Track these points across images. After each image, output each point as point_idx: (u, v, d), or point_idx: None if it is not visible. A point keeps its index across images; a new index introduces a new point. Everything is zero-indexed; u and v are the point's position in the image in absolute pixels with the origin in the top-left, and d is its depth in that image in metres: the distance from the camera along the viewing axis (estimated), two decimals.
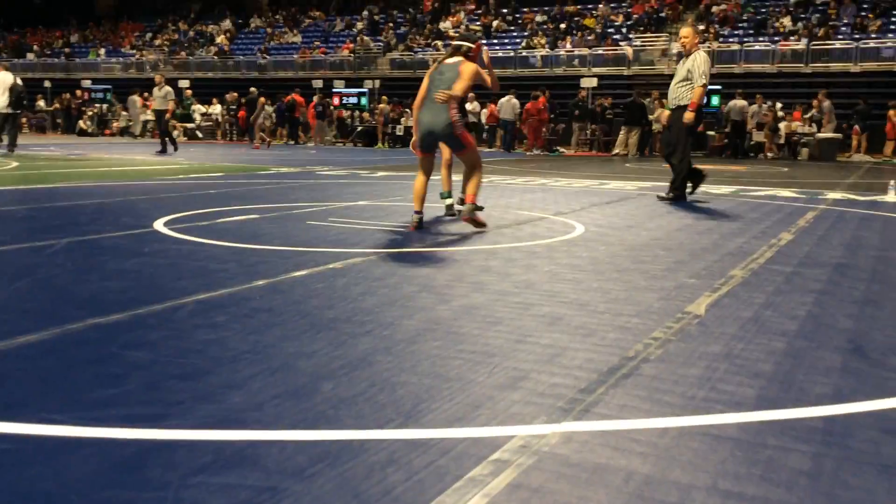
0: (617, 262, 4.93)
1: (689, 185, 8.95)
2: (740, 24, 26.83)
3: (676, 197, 8.82)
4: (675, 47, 25.33)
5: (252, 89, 25.74)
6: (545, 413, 2.35)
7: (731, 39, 25.57)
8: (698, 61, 8.51)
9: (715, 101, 23.21)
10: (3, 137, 16.10)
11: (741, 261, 5.05)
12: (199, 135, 28.79)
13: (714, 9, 27.62)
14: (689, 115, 8.45)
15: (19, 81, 16.12)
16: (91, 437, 2.10)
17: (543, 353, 2.97)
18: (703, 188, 10.21)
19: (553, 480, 1.93)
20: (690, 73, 8.55)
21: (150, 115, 30.24)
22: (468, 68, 6.14)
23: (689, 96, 8.54)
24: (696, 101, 8.44)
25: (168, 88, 18.26)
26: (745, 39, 25.69)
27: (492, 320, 3.43)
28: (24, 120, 32.94)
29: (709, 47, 24.75)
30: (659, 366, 2.85)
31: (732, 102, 21.57)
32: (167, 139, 18.15)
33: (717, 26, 26.43)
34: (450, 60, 6.30)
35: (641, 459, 2.06)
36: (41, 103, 33.32)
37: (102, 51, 38.25)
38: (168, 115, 18.42)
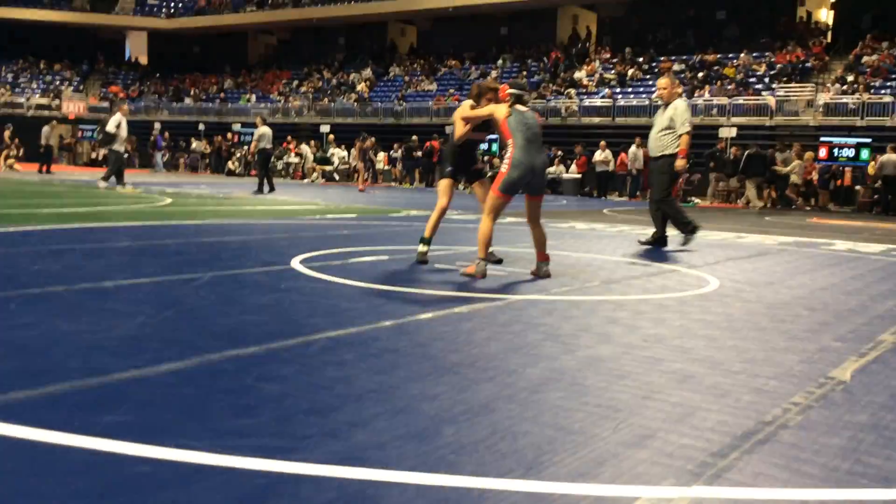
0: (754, 320, 4.71)
1: (661, 236, 9.05)
2: (893, 76, 25.45)
3: (686, 240, 8.92)
4: (822, 98, 24.32)
5: (414, 138, 26.81)
6: (673, 475, 2.26)
7: (882, 91, 24.26)
8: (679, 110, 8.85)
9: (864, 154, 22.03)
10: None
11: (892, 325, 4.71)
12: (336, 177, 29.92)
13: (865, 59, 26.35)
14: (681, 163, 8.79)
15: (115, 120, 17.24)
16: (223, 466, 2.18)
17: (672, 411, 2.86)
18: (850, 245, 9.65)
19: None
20: (673, 121, 8.81)
21: (294, 159, 31.90)
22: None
23: (675, 144, 8.78)
24: (684, 149, 8.80)
25: (266, 130, 18.65)
26: None
27: (618, 374, 3.34)
28: (181, 160, 35.44)
29: (858, 98, 23.61)
30: (799, 433, 2.68)
31: (886, 157, 20.39)
32: (265, 179, 18.47)
33: (868, 77, 25.17)
34: (524, 108, 6.19)
35: None
36: (195, 145, 35.67)
37: (252, 97, 40.57)
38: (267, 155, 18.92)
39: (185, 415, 2.59)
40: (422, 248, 6.64)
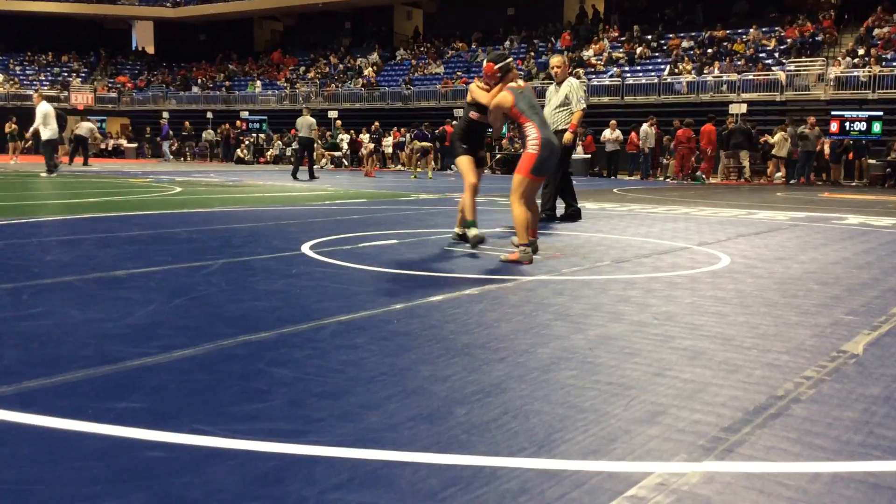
0: (766, 296, 4.69)
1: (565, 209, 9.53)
2: None
3: (549, 217, 9.34)
4: (833, 72, 24.08)
5: (449, 121, 26.90)
6: (685, 450, 2.26)
7: (894, 63, 23.99)
8: (574, 87, 9.26)
9: (876, 127, 21.82)
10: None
11: None
12: (346, 163, 29.92)
13: (876, 31, 26.04)
14: (568, 136, 9.10)
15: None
16: (236, 450, 2.19)
17: (684, 387, 2.86)
18: (862, 219, 9.59)
19: None
20: (568, 98, 9.18)
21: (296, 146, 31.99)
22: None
23: (568, 120, 9.18)
24: (575, 124, 9.17)
25: (303, 120, 19.61)
26: None
27: (629, 351, 3.34)
28: (188, 148, 35.55)
29: (869, 71, 23.36)
30: (811, 407, 2.67)
31: None
32: (313, 167, 19.47)
33: (879, 49, 24.89)
34: (517, 84, 6.10)
35: None
36: (204, 134, 35.72)
37: (259, 84, 40.52)
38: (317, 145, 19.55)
39: (197, 400, 2.60)
40: (473, 231, 6.30)
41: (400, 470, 2.09)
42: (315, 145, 19.63)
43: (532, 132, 5.81)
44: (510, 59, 6.19)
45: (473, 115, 6.49)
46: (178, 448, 2.20)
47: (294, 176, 19.45)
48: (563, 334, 3.63)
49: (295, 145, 22.08)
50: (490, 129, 6.67)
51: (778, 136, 21.89)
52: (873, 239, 7.95)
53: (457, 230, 6.89)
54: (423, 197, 13.44)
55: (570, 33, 34.12)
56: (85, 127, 26.18)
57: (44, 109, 17.86)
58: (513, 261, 5.77)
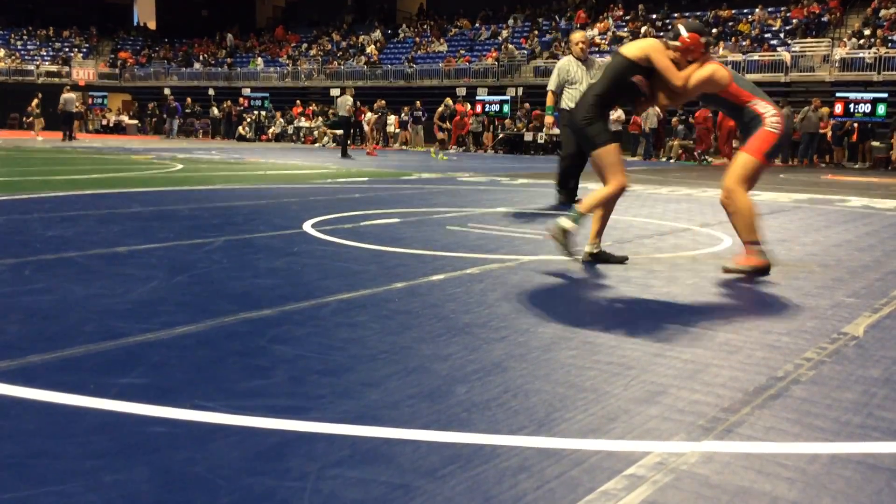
0: (767, 278, 4.69)
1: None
2: None
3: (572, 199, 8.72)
4: (838, 53, 23.93)
5: (448, 100, 26.88)
6: (684, 430, 2.27)
7: None
8: (606, 64, 8.96)
9: (881, 109, 21.71)
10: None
11: None
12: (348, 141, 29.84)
13: (883, 12, 25.85)
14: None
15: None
16: (238, 426, 2.21)
17: (684, 368, 2.86)
18: (865, 202, 9.57)
19: (691, 501, 1.85)
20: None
21: (303, 123, 31.88)
22: None
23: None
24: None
25: (341, 99, 20.41)
26: None
27: (629, 332, 3.35)
28: (191, 125, 35.47)
29: (875, 52, 23.22)
30: (811, 388, 2.68)
31: None
32: (345, 145, 20.28)
33: (885, 30, 24.71)
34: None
35: (788, 485, 1.95)
36: (211, 111, 35.61)
37: (260, 60, 40.32)
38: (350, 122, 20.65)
39: (199, 376, 2.61)
40: (569, 223, 4.73)
41: (400, 447, 2.10)
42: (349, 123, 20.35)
43: (768, 108, 4.78)
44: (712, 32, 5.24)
45: (638, 79, 4.81)
46: (180, 424, 2.21)
47: (344, 155, 19.84)
48: (563, 314, 3.63)
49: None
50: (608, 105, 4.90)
51: None
52: (876, 221, 7.94)
53: (588, 248, 5.02)
54: (426, 176, 13.41)
55: (586, 11, 33.85)
56: (65, 99, 26.05)
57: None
58: (750, 266, 4.71)
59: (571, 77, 8.85)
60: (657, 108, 23.21)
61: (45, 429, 2.15)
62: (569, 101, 8.76)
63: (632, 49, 4.86)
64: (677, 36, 4.81)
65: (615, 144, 4.83)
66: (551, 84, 9.01)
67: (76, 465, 1.93)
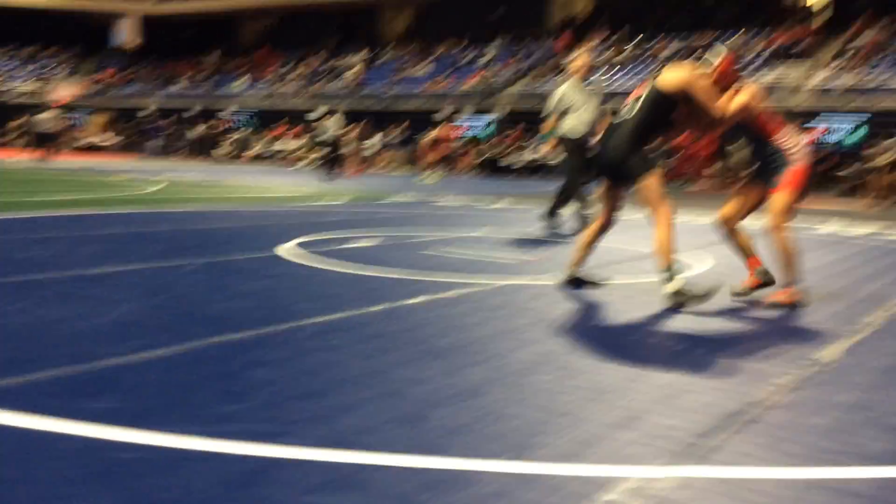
0: (741, 304, 4.73)
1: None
2: (890, 54, 25.41)
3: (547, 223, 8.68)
4: (817, 77, 24.29)
5: (441, 124, 26.89)
6: (660, 456, 2.28)
7: (878, 70, 24.25)
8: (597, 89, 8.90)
9: (858, 135, 22.00)
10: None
11: (877, 307, 4.74)
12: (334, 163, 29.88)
13: (860, 39, 26.31)
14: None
15: None
16: (212, 451, 2.19)
17: (660, 392, 2.88)
18: (834, 229, 9.71)
19: None
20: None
21: (289, 144, 31.90)
22: None
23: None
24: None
25: (339, 119, 20.68)
26: None
27: (606, 356, 3.36)
28: (170, 145, 35.36)
29: (856, 76, 23.58)
30: (784, 413, 2.71)
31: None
32: (331, 167, 20.24)
33: (864, 55, 25.15)
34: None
35: None
36: (192, 130, 35.53)
37: (244, 81, 40.33)
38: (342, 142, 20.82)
39: (174, 400, 2.59)
40: (679, 282, 4.48)
41: (377, 473, 2.09)
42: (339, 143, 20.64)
43: (791, 143, 4.76)
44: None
45: (684, 110, 4.68)
46: (155, 449, 2.19)
47: (327, 176, 19.96)
48: (541, 338, 3.64)
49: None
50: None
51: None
52: (845, 249, 8.04)
53: (570, 270, 5.04)
54: (406, 199, 13.43)
55: (572, 32, 34.14)
56: (37, 120, 25.76)
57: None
58: (791, 302, 4.68)
59: (572, 102, 8.49)
60: None
61: (16, 453, 2.12)
62: (570, 127, 8.52)
63: (668, 82, 4.62)
64: (710, 65, 4.75)
65: (658, 173, 4.72)
66: (549, 109, 8.68)
67: (48, 492, 1.90)
